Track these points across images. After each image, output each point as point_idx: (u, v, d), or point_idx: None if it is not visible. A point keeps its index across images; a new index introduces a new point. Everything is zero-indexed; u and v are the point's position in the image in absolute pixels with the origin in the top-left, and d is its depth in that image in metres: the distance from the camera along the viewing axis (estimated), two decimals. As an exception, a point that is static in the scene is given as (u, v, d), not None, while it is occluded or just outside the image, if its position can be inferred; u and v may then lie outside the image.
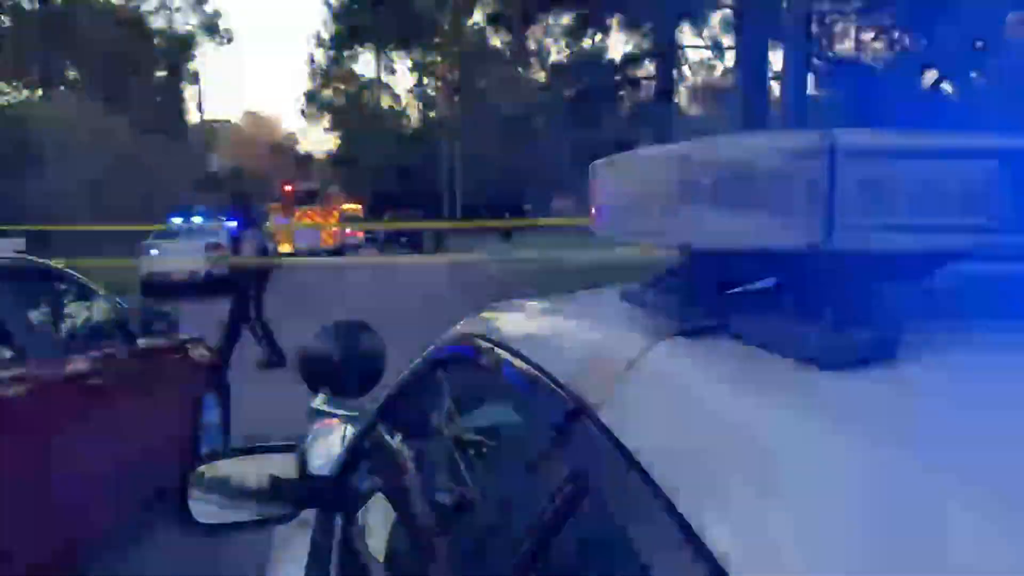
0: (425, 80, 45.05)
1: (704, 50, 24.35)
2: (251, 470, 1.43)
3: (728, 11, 18.02)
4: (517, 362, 0.97)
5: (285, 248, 23.99)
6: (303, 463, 1.44)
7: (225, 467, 1.44)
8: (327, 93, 48.11)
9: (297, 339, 2.31)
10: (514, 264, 15.30)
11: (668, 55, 18.96)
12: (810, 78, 13.82)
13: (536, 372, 0.90)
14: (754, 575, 0.45)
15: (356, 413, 2.00)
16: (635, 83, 20.84)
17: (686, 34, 21.56)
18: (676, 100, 22.07)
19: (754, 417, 0.56)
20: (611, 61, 21.40)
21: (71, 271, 3.96)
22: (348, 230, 30.48)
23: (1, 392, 2.77)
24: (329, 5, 41.92)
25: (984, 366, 0.58)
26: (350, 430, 1.88)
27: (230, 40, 41.37)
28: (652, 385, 0.69)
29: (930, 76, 12.04)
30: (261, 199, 29.95)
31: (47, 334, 3.41)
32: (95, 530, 3.33)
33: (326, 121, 50.09)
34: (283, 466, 1.43)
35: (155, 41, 36.81)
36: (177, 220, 17.74)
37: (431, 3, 36.18)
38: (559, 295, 1.25)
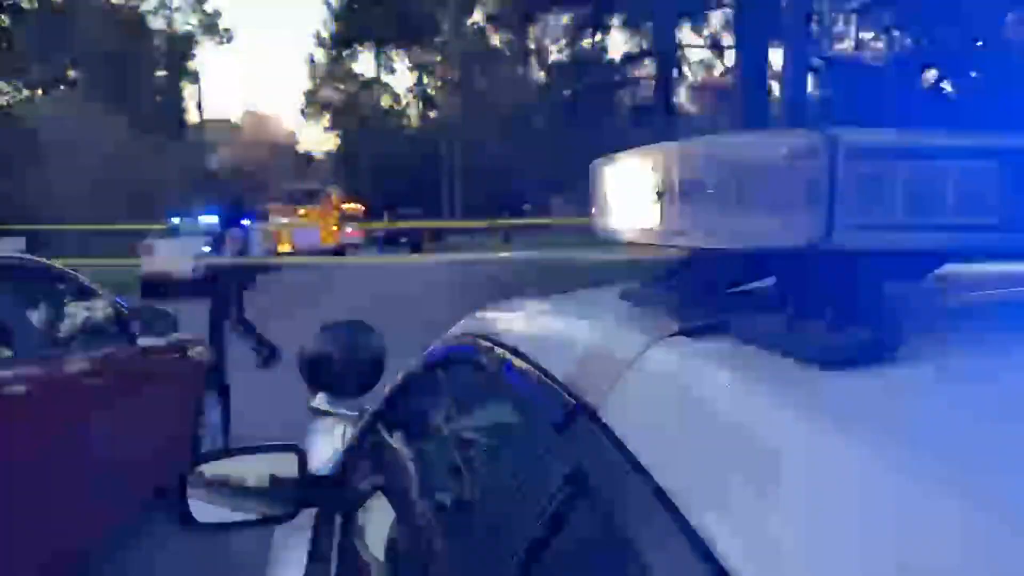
0: (425, 80, 45.07)
1: (704, 49, 24.37)
2: (251, 470, 1.43)
3: (728, 10, 18.02)
4: (517, 362, 0.97)
5: (285, 247, 23.99)
6: (303, 463, 1.44)
7: (225, 467, 1.44)
8: (327, 93, 48.12)
9: (297, 338, 2.31)
10: (514, 264, 15.30)
11: (668, 54, 18.96)
12: (810, 77, 13.82)
13: (536, 372, 0.89)
14: (754, 574, 0.45)
15: (356, 413, 2.00)
16: (635, 83, 20.85)
17: (686, 34, 21.58)
18: (676, 99, 22.07)
19: (754, 416, 0.56)
20: (611, 61, 21.42)
21: (71, 271, 3.96)
22: (348, 230, 30.47)
23: (1, 391, 2.77)
24: (329, 4, 41.95)
25: (984, 365, 0.58)
26: (350, 430, 1.88)
27: (230, 39, 41.38)
28: (652, 384, 0.69)
29: (930, 75, 12.04)
30: (261, 199, 29.98)
31: (47, 334, 3.41)
32: (95, 530, 3.34)
33: (326, 120, 50.10)
34: (283, 466, 1.43)
35: (155, 41, 36.82)
36: (176, 220, 17.74)
37: (431, 2, 36.19)
38: (559, 295, 1.25)
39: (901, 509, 0.42)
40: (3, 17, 29.22)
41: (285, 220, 27.37)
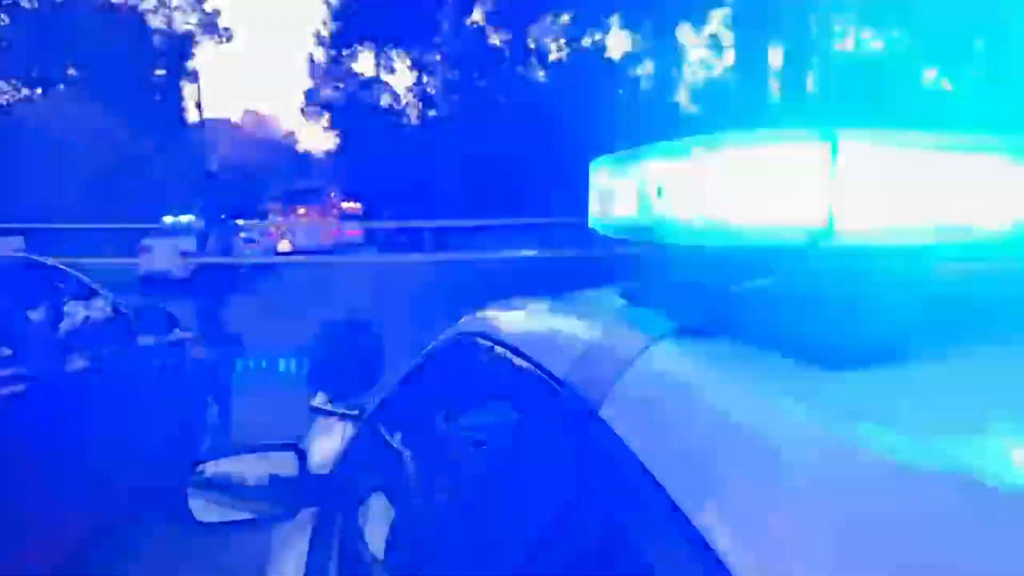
0: (425, 79, 45.04)
1: (704, 49, 24.36)
2: (251, 469, 1.43)
3: (728, 9, 18.02)
4: (516, 360, 0.97)
5: (285, 247, 23.99)
6: (303, 461, 1.44)
7: (225, 466, 1.44)
8: (326, 92, 48.08)
9: (296, 338, 2.31)
10: (514, 263, 15.29)
11: (668, 54, 18.96)
12: (809, 77, 13.82)
13: (535, 370, 0.89)
14: (754, 573, 0.45)
15: (355, 412, 2.00)
16: (635, 82, 20.84)
17: (686, 33, 21.57)
18: (676, 99, 22.06)
19: (754, 415, 0.56)
20: (611, 60, 21.40)
21: (71, 269, 3.96)
22: (348, 229, 30.47)
23: (1, 391, 2.77)
24: (329, 3, 41.87)
25: (984, 365, 0.58)
26: (349, 428, 1.88)
27: (229, 39, 41.31)
28: (652, 383, 0.69)
29: (930, 75, 12.04)
30: (260, 198, 29.93)
31: (47, 333, 3.41)
32: (95, 529, 3.34)
33: (325, 120, 50.06)
34: (283, 465, 1.43)
35: (154, 40, 36.78)
36: (170, 218, 17.71)
37: (431, 2, 36.17)
38: (558, 294, 1.25)
39: (901, 507, 0.42)
40: (3, 16, 29.21)
41: (285, 219, 27.39)
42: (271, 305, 8.49)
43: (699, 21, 19.27)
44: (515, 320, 1.20)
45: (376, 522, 1.35)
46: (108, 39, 28.60)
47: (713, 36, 21.25)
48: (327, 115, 49.14)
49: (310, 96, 49.03)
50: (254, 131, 51.18)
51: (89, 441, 3.22)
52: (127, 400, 3.67)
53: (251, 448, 1.49)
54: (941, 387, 0.55)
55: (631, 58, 20.55)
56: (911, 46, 14.25)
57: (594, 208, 0.90)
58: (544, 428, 0.81)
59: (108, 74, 29.01)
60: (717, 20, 19.69)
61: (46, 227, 15.95)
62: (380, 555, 1.30)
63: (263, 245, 20.85)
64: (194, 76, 38.59)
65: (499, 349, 1.06)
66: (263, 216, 25.01)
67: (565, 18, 21.57)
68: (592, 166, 0.89)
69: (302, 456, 1.45)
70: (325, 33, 45.16)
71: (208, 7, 39.24)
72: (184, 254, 14.21)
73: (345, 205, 34.90)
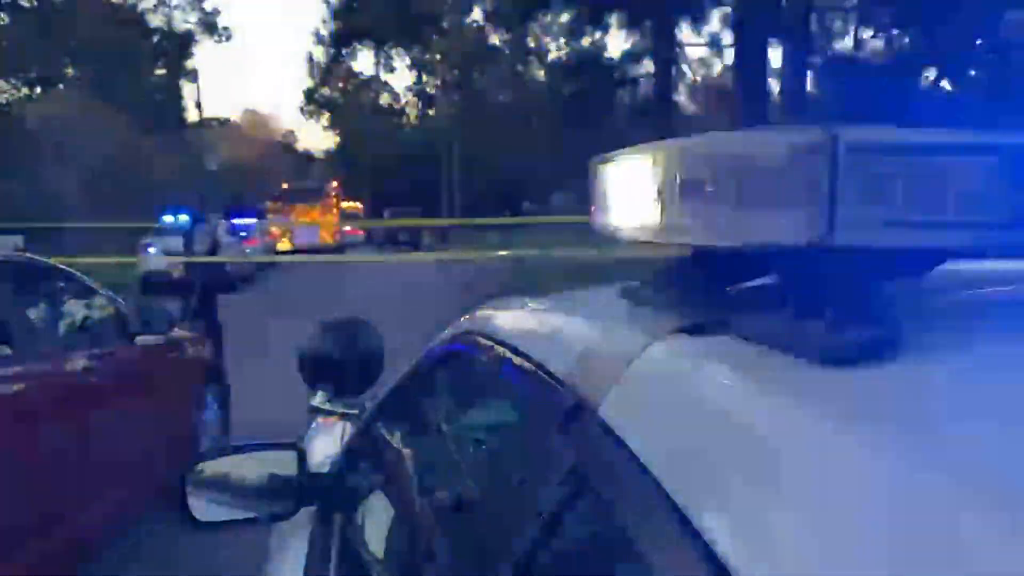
0: (424, 78, 45.06)
1: (704, 48, 24.36)
2: (250, 468, 1.43)
3: (728, 9, 18.01)
4: (516, 359, 0.97)
5: (285, 246, 24.00)
6: (302, 461, 1.44)
7: (224, 465, 1.44)
8: (326, 91, 48.09)
9: (295, 337, 2.31)
10: (514, 262, 15.30)
11: (668, 53, 18.95)
12: (809, 76, 13.82)
13: (535, 369, 0.89)
14: (754, 573, 0.45)
15: (355, 411, 2.00)
16: (635, 81, 20.83)
17: (686, 32, 21.57)
18: (676, 98, 22.06)
19: (754, 414, 0.56)
20: (610, 59, 21.38)
21: (70, 269, 3.96)
22: (348, 228, 30.51)
23: (0, 390, 2.77)
24: (328, 2, 41.87)
25: (985, 364, 0.58)
26: (349, 428, 1.88)
27: (229, 38, 41.31)
28: (652, 382, 0.69)
29: (930, 74, 12.04)
30: (260, 197, 29.93)
31: (46, 332, 3.40)
32: (94, 529, 3.33)
33: (325, 119, 50.08)
34: (282, 464, 1.43)
35: (154, 39, 36.77)
36: (168, 218, 17.68)
37: (431, 1, 36.15)
38: (559, 293, 1.25)
39: (902, 507, 0.42)
40: (2, 15, 29.21)
41: (285, 219, 27.40)
42: (271, 305, 8.47)
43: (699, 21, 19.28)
44: (515, 319, 1.20)
45: (375, 522, 1.35)
46: (108, 38, 28.59)
47: (713, 35, 21.27)
48: (326, 114, 49.02)
49: (309, 95, 48.88)
50: (253, 130, 51.18)
51: (88, 441, 3.22)
52: (127, 400, 3.66)
53: (251, 447, 1.49)
54: (941, 387, 0.55)
55: (631, 57, 20.54)
56: (911, 46, 14.25)
57: (594, 208, 0.89)
58: (544, 428, 0.81)
59: (108, 73, 29.00)
60: (717, 20, 19.72)
61: (46, 227, 15.95)
62: (379, 555, 1.30)
63: (263, 244, 20.84)
64: (194, 76, 38.59)
65: (499, 348, 1.06)
66: (262, 215, 25.00)
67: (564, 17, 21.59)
68: (592, 165, 0.89)
69: (301, 455, 1.45)
70: (324, 32, 45.03)
71: (208, 6, 39.25)
72: (170, 254, 14.21)
73: (345, 205, 34.92)
